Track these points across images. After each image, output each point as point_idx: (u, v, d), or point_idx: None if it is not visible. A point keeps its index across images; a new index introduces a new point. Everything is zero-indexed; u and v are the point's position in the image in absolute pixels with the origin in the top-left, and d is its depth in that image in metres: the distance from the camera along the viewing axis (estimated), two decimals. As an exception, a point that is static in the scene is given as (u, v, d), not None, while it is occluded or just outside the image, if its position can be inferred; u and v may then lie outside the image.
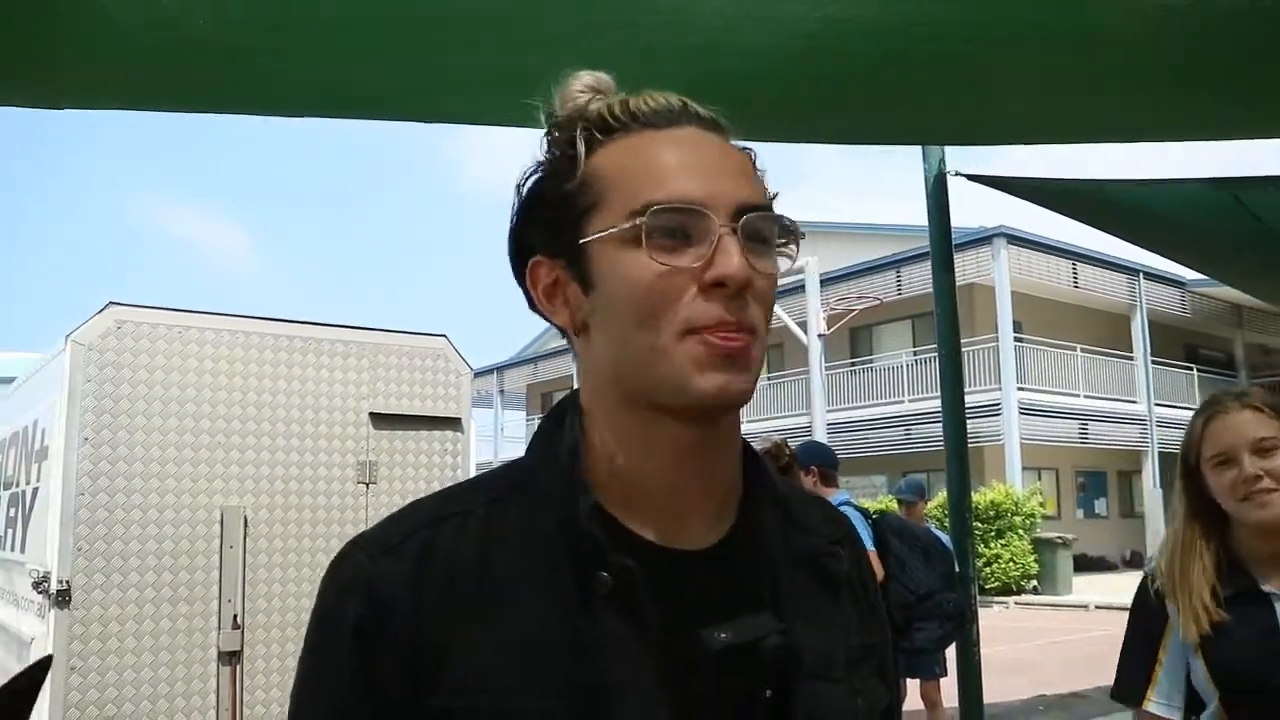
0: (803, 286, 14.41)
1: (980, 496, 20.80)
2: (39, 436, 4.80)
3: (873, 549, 5.52)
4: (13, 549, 5.16)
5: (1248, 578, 2.10)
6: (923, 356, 24.59)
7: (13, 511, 5.28)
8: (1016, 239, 24.08)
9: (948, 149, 4.39)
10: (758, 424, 25.79)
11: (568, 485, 0.95)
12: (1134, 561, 26.30)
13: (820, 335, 14.16)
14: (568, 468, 0.96)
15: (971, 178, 4.25)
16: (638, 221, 0.90)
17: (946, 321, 4.34)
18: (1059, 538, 21.53)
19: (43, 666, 1.56)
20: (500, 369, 35.78)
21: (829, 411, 22.02)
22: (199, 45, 2.11)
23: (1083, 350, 25.66)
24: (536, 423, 1.09)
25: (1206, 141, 3.06)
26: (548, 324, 1.04)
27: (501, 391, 37.02)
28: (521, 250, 1.02)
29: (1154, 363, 26.46)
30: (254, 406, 4.73)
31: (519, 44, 2.23)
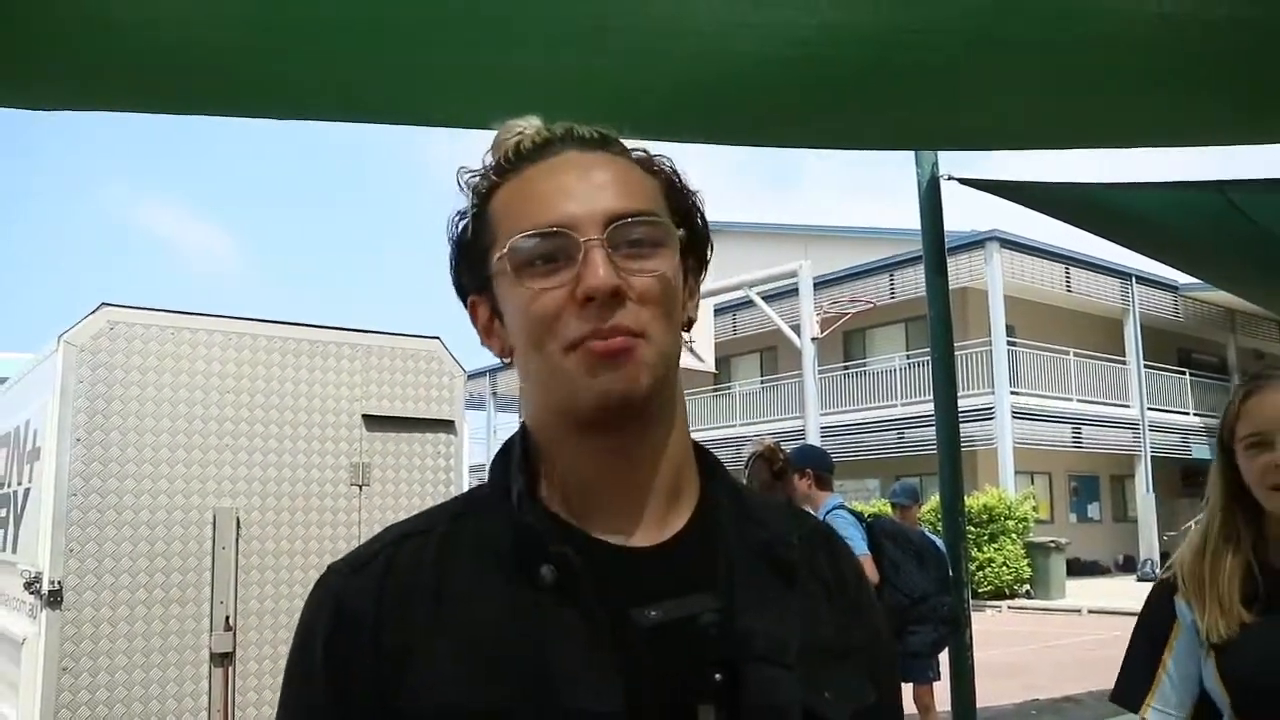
0: (796, 289, 14.40)
1: (973, 500, 20.83)
2: (31, 437, 4.79)
3: (866, 553, 5.52)
4: (4, 549, 5.15)
5: (1276, 576, 1.91)
6: (916, 360, 24.64)
7: (4, 512, 5.26)
8: (1010, 243, 24.12)
9: (941, 153, 4.39)
10: (751, 427, 25.81)
11: (509, 488, 1.02)
12: (1127, 566, 26.35)
13: (813, 338, 14.16)
14: (512, 476, 1.03)
15: (965, 182, 4.25)
16: (510, 252, 0.98)
17: (939, 325, 4.34)
18: (1052, 542, 21.58)
19: None
20: (494, 372, 35.74)
21: (822, 415, 22.03)
22: (194, 48, 2.11)
23: (1076, 354, 25.71)
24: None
25: (1201, 147, 3.06)
26: None
27: (495, 394, 37.00)
28: (459, 291, 1.11)
29: (1147, 367, 26.53)
30: (247, 408, 4.72)
31: (515, 48, 2.23)
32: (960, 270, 23.07)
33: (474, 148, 1.09)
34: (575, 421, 1.00)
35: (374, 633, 0.95)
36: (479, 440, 35.66)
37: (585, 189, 0.99)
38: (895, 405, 25.42)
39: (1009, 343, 24.10)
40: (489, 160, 1.06)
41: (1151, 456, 25.76)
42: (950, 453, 4.40)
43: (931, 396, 4.53)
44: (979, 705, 5.56)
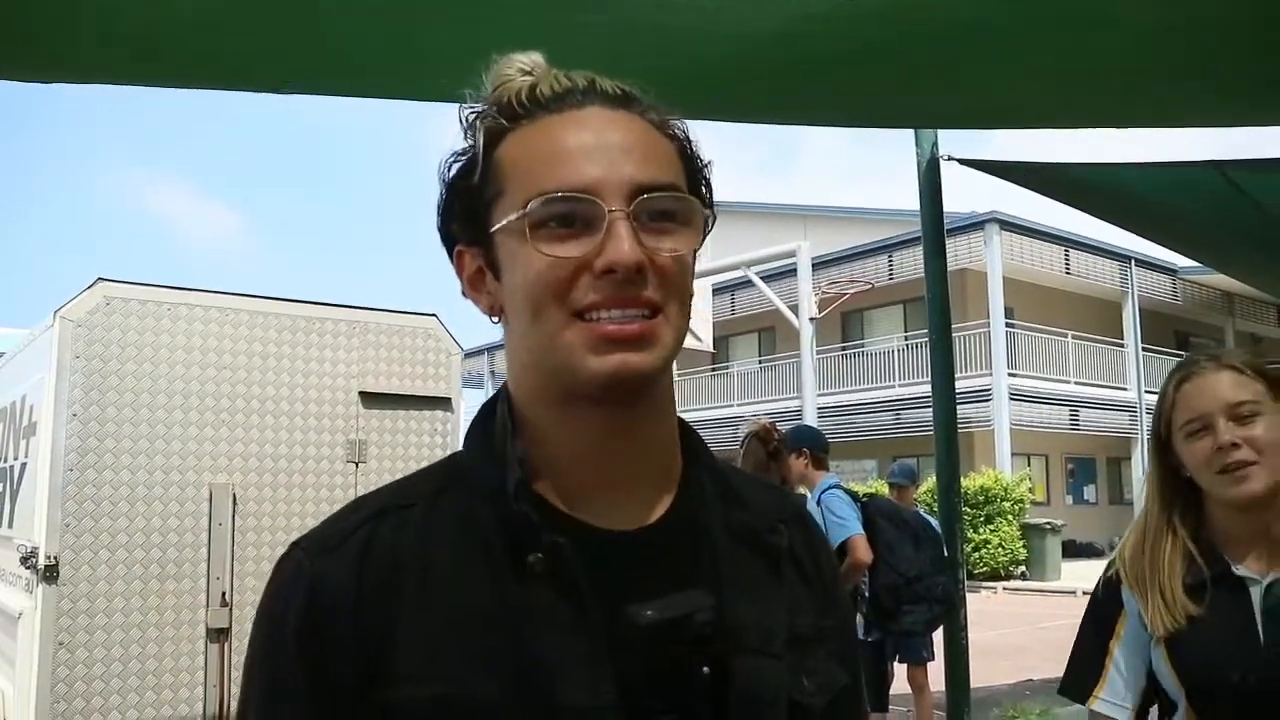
0: (794, 270, 14.38)
1: (970, 482, 20.87)
2: (27, 412, 4.79)
3: (860, 532, 5.53)
4: (0, 524, 5.15)
5: (1220, 561, 1.88)
6: (914, 341, 24.63)
7: (0, 487, 5.27)
8: (1009, 224, 24.09)
9: (941, 133, 4.38)
10: (749, 407, 25.83)
11: (498, 468, 0.96)
12: (1121, 548, 26.41)
13: (811, 319, 14.14)
14: (499, 453, 0.97)
15: (964, 162, 4.23)
16: (525, 212, 0.91)
17: (938, 306, 4.34)
18: (1048, 523, 21.63)
19: None
20: (491, 349, 35.71)
21: (820, 395, 22.03)
22: (191, 18, 2.10)
23: (1074, 336, 25.71)
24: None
25: (1203, 128, 3.05)
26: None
27: (492, 372, 36.97)
28: (446, 240, 1.04)
29: (1145, 350, 26.54)
30: (244, 384, 4.71)
31: (511, 21, 2.22)
32: (959, 252, 23.05)
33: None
34: (570, 395, 0.95)
35: (353, 620, 0.90)
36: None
37: (611, 153, 0.93)
38: (893, 386, 25.44)
39: (1007, 324, 24.09)
40: (496, 99, 0.99)
41: (1148, 440, 25.79)
42: (947, 434, 4.40)
43: (929, 377, 4.53)
44: (973, 685, 5.58)
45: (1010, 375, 23.70)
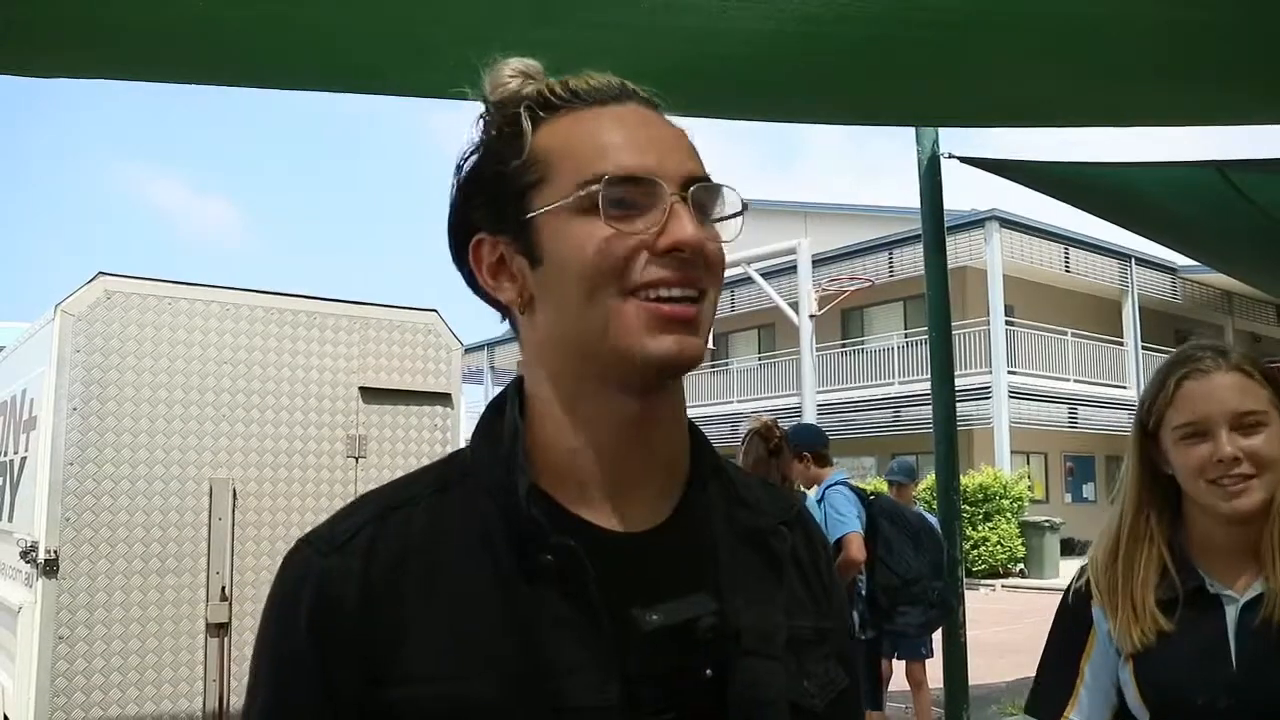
0: (794, 267, 14.39)
1: (969, 479, 20.88)
2: (27, 406, 4.79)
3: (857, 530, 5.53)
4: (1, 518, 5.15)
5: (1195, 575, 1.73)
6: (914, 339, 24.63)
7: (0, 480, 5.27)
8: (1009, 222, 24.08)
9: (941, 132, 4.39)
10: (749, 404, 25.84)
11: (507, 469, 0.96)
12: (1120, 546, 26.43)
13: (811, 316, 14.15)
14: (508, 453, 0.97)
15: (965, 160, 4.24)
16: (591, 190, 0.93)
17: (937, 304, 4.35)
18: (1046, 521, 21.64)
19: None
20: (491, 345, 35.73)
21: (819, 392, 22.02)
22: (190, 15, 2.10)
23: (1074, 335, 25.71)
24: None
25: (1199, 126, 3.06)
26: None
27: (492, 367, 37.00)
28: (462, 230, 1.03)
29: (1145, 348, 26.53)
30: (244, 379, 4.72)
31: (510, 19, 2.22)
32: (960, 249, 23.04)
33: (472, 118, 1.03)
34: (616, 379, 0.96)
35: (361, 617, 0.91)
36: (476, 413, 35.60)
37: (663, 144, 0.97)
38: (892, 384, 25.43)
39: (1007, 322, 24.08)
40: (515, 91, 1.00)
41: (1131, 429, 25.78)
42: (946, 431, 4.41)
43: (929, 375, 4.54)
44: (971, 683, 5.59)
45: (1010, 373, 23.70)
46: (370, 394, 5.07)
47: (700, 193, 0.96)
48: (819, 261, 20.68)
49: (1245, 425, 1.68)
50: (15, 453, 4.99)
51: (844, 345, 27.80)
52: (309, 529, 0.99)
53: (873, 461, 25.57)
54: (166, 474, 4.48)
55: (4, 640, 4.66)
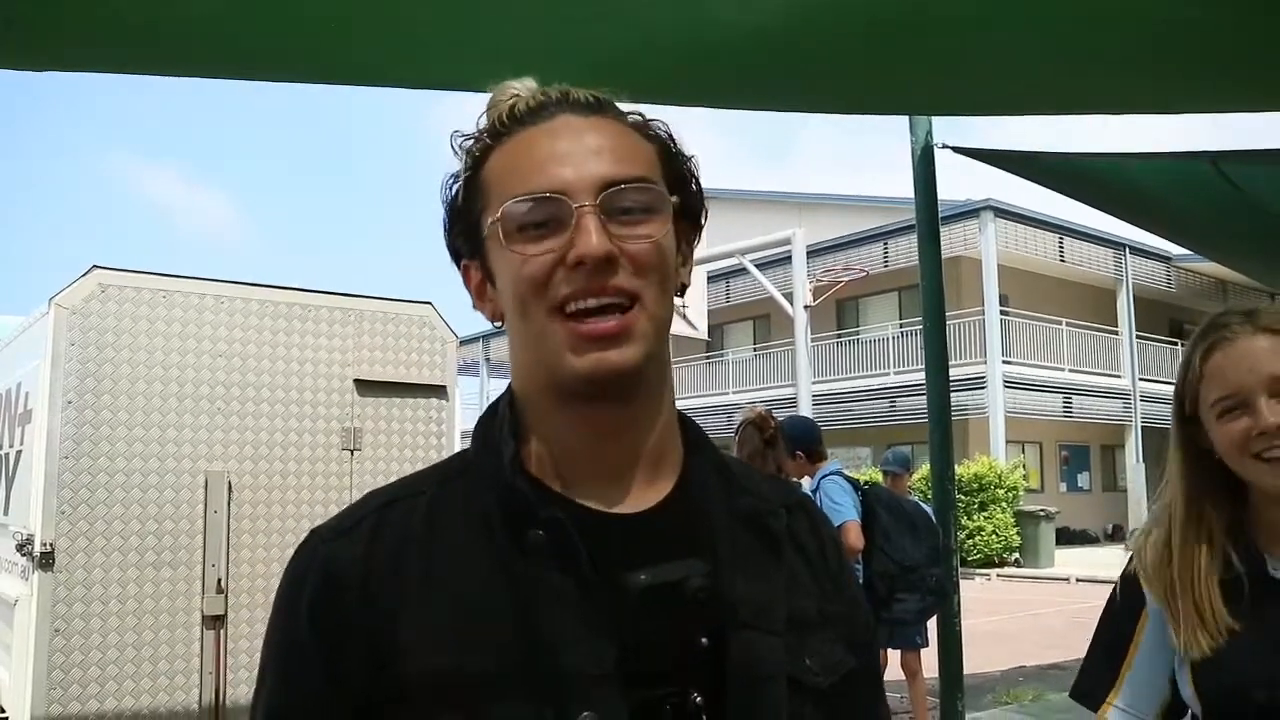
0: (789, 258, 14.37)
1: (964, 469, 20.92)
2: (22, 399, 4.79)
3: (855, 519, 5.54)
4: (-4, 512, 5.15)
5: (1257, 560, 1.59)
6: (909, 329, 24.65)
7: (-4, 474, 5.27)
8: (1004, 212, 24.10)
9: (935, 122, 4.38)
10: (745, 395, 25.85)
11: (497, 454, 1.01)
12: (1116, 535, 26.53)
13: (806, 307, 14.13)
14: (498, 444, 1.02)
15: (959, 150, 4.24)
16: (503, 216, 0.97)
17: (932, 294, 4.34)
18: (1041, 511, 21.69)
19: None
20: (486, 337, 35.71)
21: (814, 383, 22.01)
22: (188, 8, 2.09)
23: (1068, 324, 25.74)
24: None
25: (1196, 114, 3.06)
26: None
27: (487, 359, 36.99)
28: (454, 255, 1.10)
29: (1139, 337, 26.60)
30: (238, 372, 4.72)
31: (507, 10, 2.22)
32: (954, 239, 23.06)
33: (473, 111, 1.06)
34: (559, 391, 0.99)
35: (362, 598, 0.95)
36: (471, 406, 35.73)
37: (579, 154, 0.98)
38: (888, 374, 25.46)
39: (1002, 312, 24.11)
40: (483, 123, 1.05)
41: (1142, 427, 25.86)
42: (941, 421, 4.41)
43: (923, 365, 4.54)
44: (966, 672, 5.60)
45: (1005, 363, 23.74)
46: (365, 386, 5.07)
47: (612, 198, 0.96)
48: (814, 252, 20.67)
49: None
50: (11, 446, 4.98)
51: (839, 336, 27.82)
52: (305, 521, 1.02)
53: (868, 452, 25.60)
54: (162, 467, 4.48)
55: (1, 633, 4.66)
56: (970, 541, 20.95)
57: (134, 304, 4.49)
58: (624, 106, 1.07)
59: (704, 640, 0.96)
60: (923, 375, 4.59)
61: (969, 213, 23.89)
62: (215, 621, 4.54)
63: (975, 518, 21.20)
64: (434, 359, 5.35)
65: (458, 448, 6.08)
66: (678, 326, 7.83)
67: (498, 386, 38.79)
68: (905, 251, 23.62)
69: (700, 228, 1.11)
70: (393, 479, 1.08)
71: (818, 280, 18.44)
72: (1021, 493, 22.04)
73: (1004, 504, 21.52)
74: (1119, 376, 26.44)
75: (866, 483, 6.13)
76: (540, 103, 1.02)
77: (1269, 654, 1.53)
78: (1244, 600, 1.57)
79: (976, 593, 16.80)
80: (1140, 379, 26.30)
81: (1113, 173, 4.18)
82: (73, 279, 4.44)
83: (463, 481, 1.03)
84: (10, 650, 4.38)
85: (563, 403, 1.00)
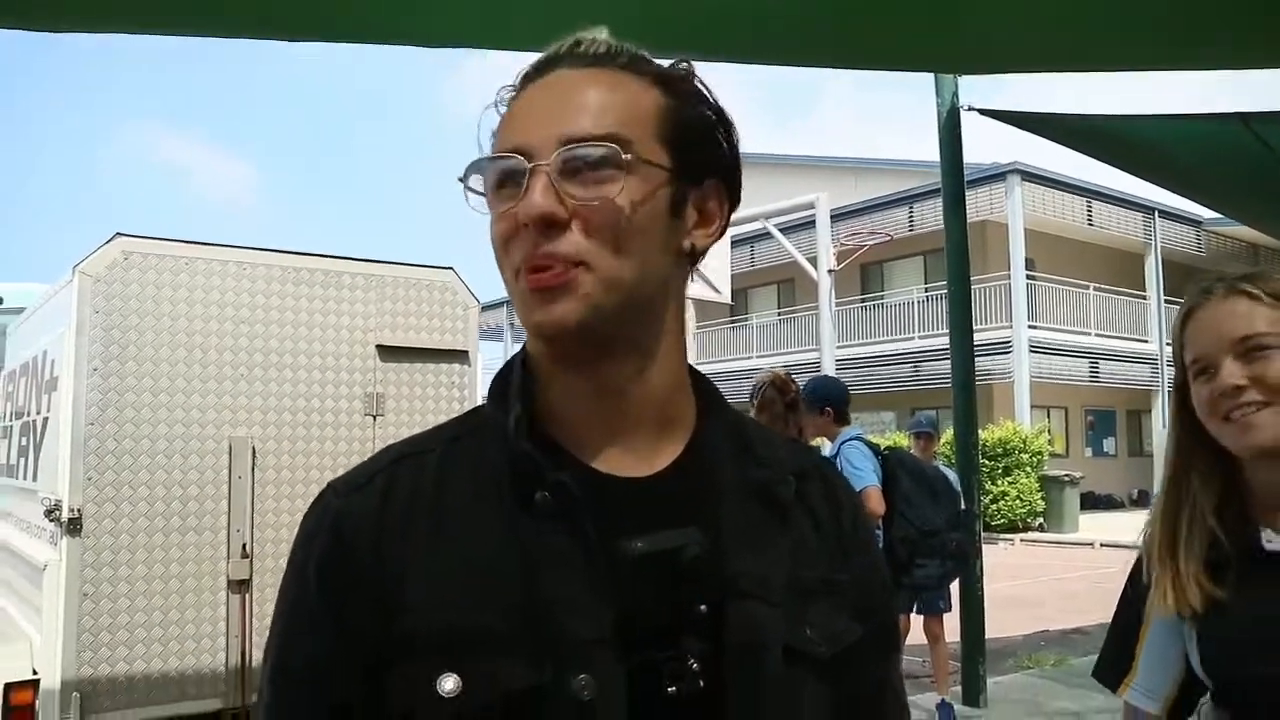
0: (813, 222, 14.29)
1: (988, 434, 20.87)
2: (48, 367, 4.82)
3: (876, 484, 5.53)
4: (25, 477, 5.20)
5: (1250, 530, 1.59)
6: (934, 293, 24.52)
7: (24, 440, 5.31)
8: (1031, 176, 23.88)
9: (962, 85, 4.34)
10: (767, 359, 25.82)
11: (507, 412, 1.00)
12: (1141, 500, 26.43)
13: (830, 271, 14.07)
14: (509, 400, 1.02)
15: (984, 112, 4.20)
16: (478, 173, 0.98)
17: (957, 258, 4.32)
18: (1066, 476, 21.62)
19: None
20: (509, 302, 35.67)
21: (839, 348, 21.95)
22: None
23: (1095, 289, 25.55)
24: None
25: (1222, 71, 3.00)
26: None
27: (511, 325, 37.02)
28: None
29: (1168, 302, 26.36)
30: (261, 338, 4.73)
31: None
32: (980, 203, 22.88)
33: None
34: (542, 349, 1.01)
35: (373, 553, 0.96)
36: (493, 371, 35.86)
37: (551, 110, 0.96)
38: (912, 338, 25.37)
39: (1028, 276, 23.96)
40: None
41: (1169, 391, 25.71)
42: (965, 386, 4.40)
43: (948, 330, 4.52)
44: (989, 636, 5.61)
45: (1030, 327, 23.60)
46: (387, 352, 5.08)
47: (569, 156, 0.94)
48: (838, 216, 20.56)
49: (1250, 350, 1.53)
50: (37, 413, 5.03)
51: (863, 300, 27.72)
52: (329, 484, 1.03)
53: (892, 416, 25.55)
54: (186, 433, 4.51)
55: (31, 596, 4.72)
56: (994, 506, 20.92)
57: (157, 271, 4.51)
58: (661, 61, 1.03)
59: (702, 608, 0.96)
60: (947, 340, 4.57)
61: (995, 176, 23.69)
62: (240, 586, 4.58)
63: (999, 483, 21.16)
64: (456, 324, 5.34)
65: (479, 414, 6.18)
66: (700, 290, 7.78)
67: (521, 352, 38.90)
68: (931, 215, 23.43)
69: (728, 187, 1.06)
70: (414, 444, 1.08)
71: (841, 244, 18.35)
72: (1046, 457, 21.97)
73: (1028, 469, 21.47)
74: (1146, 341, 26.24)
75: (888, 448, 6.12)
76: (549, 55, 1.01)
77: (1266, 626, 1.53)
78: (1233, 568, 1.57)
79: (1000, 558, 16.79)
80: (1168, 344, 26.05)
81: (1140, 135, 4.13)
82: (96, 246, 4.45)
83: (475, 439, 1.03)
84: (41, 613, 4.43)
85: (553, 361, 1.01)
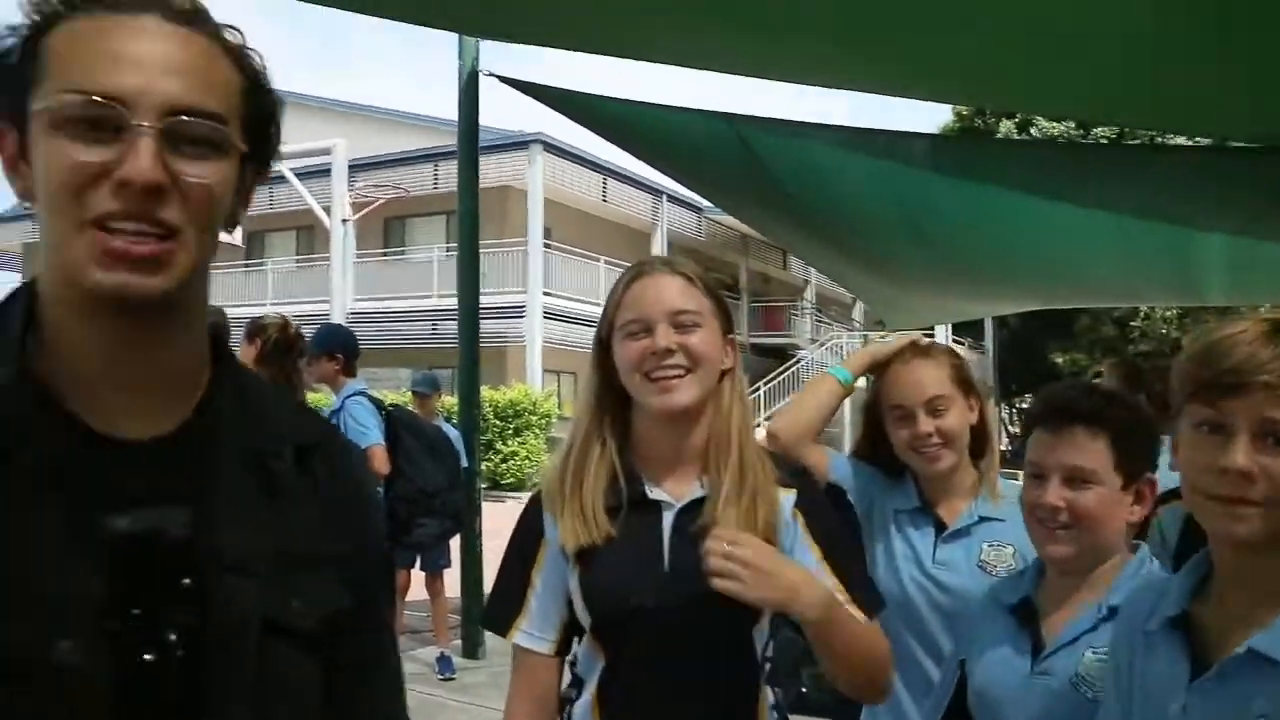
0: (329, 170, 13.92)
1: (500, 395, 21.48)
2: None
3: (381, 442, 5.48)
4: None
5: (637, 481, 1.78)
6: (455, 253, 24.75)
7: None
8: (553, 147, 24.70)
9: (486, 50, 4.37)
10: (283, 307, 24.83)
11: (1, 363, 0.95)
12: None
13: (345, 220, 13.79)
14: (3, 347, 0.96)
15: (504, 80, 4.26)
16: (63, 100, 0.90)
17: (468, 220, 4.36)
18: (572, 437, 22.71)
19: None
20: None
21: (358, 300, 21.61)
22: None
23: (606, 262, 26.99)
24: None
25: (755, 78, 3.17)
26: None
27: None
28: None
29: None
30: None
31: None
32: (505, 169, 23.39)
33: None
34: (82, 302, 0.95)
35: None
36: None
37: (154, 65, 0.92)
38: (432, 296, 25.47)
39: (545, 245, 24.82)
40: None
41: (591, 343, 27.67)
42: (470, 346, 4.47)
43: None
44: (487, 590, 5.76)
45: (545, 294, 24.49)
46: None
47: (177, 126, 0.92)
48: (359, 166, 20.22)
49: (681, 323, 1.75)
50: None
51: (385, 254, 27.46)
52: None
53: (409, 373, 25.46)
54: None
55: None
56: (504, 466, 21.59)
57: None
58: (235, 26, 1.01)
59: (185, 582, 0.97)
60: (457, 300, 4.61)
61: (520, 144, 24.26)
62: None
63: (510, 443, 21.85)
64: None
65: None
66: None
67: (4, 281, 34.55)
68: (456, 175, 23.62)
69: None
70: None
71: (359, 195, 18.06)
72: (555, 420, 22.97)
73: (537, 430, 22.34)
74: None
75: (391, 405, 6.10)
76: None
77: (640, 563, 1.73)
78: (622, 515, 1.75)
79: (509, 515, 17.28)
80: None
81: (648, 122, 4.36)
82: None
83: None
84: None
85: (83, 311, 0.96)
